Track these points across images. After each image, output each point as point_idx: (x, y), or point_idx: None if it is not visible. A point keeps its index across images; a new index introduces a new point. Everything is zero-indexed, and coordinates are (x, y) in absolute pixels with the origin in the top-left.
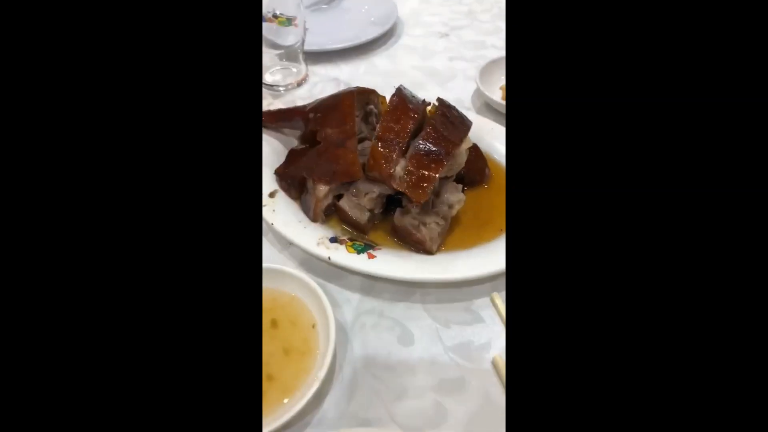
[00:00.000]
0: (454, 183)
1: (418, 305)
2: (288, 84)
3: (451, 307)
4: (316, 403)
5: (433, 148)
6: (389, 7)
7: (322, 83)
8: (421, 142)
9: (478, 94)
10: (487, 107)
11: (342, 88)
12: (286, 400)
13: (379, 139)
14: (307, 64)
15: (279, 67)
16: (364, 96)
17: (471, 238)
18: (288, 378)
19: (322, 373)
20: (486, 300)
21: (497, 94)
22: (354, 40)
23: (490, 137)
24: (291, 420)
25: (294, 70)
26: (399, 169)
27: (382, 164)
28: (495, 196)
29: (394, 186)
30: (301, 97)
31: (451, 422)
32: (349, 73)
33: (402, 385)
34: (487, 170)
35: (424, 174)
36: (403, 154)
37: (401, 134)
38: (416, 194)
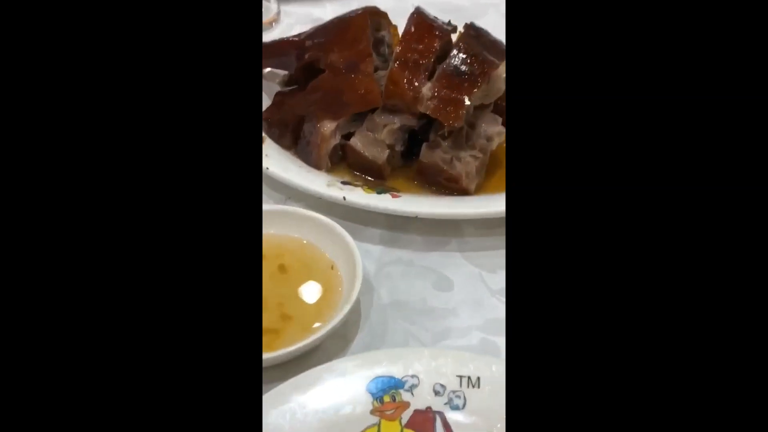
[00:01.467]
0: (493, 114)
1: (455, 253)
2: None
3: (496, 254)
4: (342, 345)
5: (465, 68)
6: None
7: (300, 25)
8: (451, 60)
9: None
10: None
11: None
12: (306, 337)
13: (398, 59)
14: (278, 1)
15: None
16: (375, 19)
17: None
18: (308, 316)
19: (347, 307)
20: None
21: None
22: None
23: None
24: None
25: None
26: (426, 91)
27: (404, 87)
28: None
29: (420, 109)
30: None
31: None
32: (335, 13)
33: (443, 326)
34: None
35: (456, 97)
36: (429, 77)
37: (425, 54)
38: (447, 117)
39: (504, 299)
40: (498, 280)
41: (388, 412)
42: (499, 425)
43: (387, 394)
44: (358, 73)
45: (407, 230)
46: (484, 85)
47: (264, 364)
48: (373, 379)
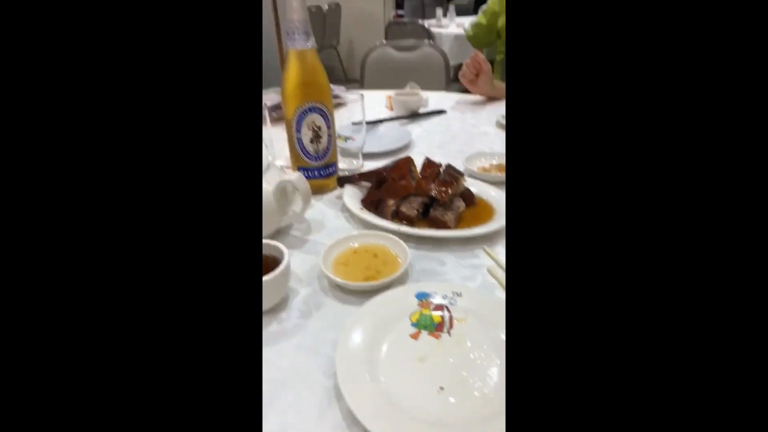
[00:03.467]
0: (459, 197)
1: (447, 254)
2: (353, 169)
3: (467, 254)
4: (402, 280)
5: (448, 179)
6: (405, 131)
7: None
8: (442, 176)
9: (465, 169)
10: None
11: None
12: (389, 276)
13: (421, 175)
14: (362, 159)
15: (347, 161)
16: (409, 161)
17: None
18: (387, 272)
19: (403, 268)
20: (481, 251)
21: (476, 166)
22: (387, 147)
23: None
24: (393, 281)
25: (355, 162)
26: (433, 187)
27: (424, 186)
28: (480, 210)
29: (432, 194)
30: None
31: (471, 286)
32: (386, 163)
33: (443, 278)
34: (474, 199)
35: (445, 190)
36: (433, 182)
37: (431, 174)
38: (441, 197)
39: (467, 268)
40: (465, 262)
41: (424, 306)
42: (470, 316)
43: (423, 299)
44: (403, 181)
45: (425, 244)
46: (455, 185)
47: (370, 288)
48: (416, 293)
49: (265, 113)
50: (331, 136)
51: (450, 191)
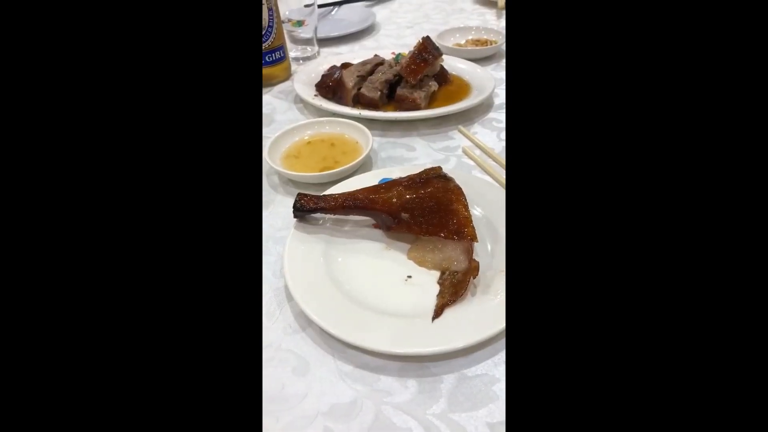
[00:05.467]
0: (433, 78)
1: (416, 138)
2: (306, 57)
3: (438, 137)
4: (366, 168)
5: (421, 58)
6: (368, 12)
7: (329, 56)
8: (416, 53)
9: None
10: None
11: (343, 61)
12: (347, 164)
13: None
14: (318, 47)
15: (300, 49)
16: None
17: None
18: (347, 161)
19: (364, 153)
20: (455, 131)
21: (451, 42)
22: (346, 30)
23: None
24: (352, 169)
25: (309, 49)
26: (403, 62)
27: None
28: (455, 89)
29: (400, 71)
30: (315, 71)
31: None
32: (347, 50)
33: (412, 164)
34: (448, 76)
35: (416, 69)
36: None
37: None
38: (412, 77)
39: (440, 152)
40: (438, 145)
41: None
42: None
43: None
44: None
45: (392, 129)
46: (430, 66)
47: (328, 179)
48: (381, 179)
49: None
50: (273, 11)
51: (421, 71)
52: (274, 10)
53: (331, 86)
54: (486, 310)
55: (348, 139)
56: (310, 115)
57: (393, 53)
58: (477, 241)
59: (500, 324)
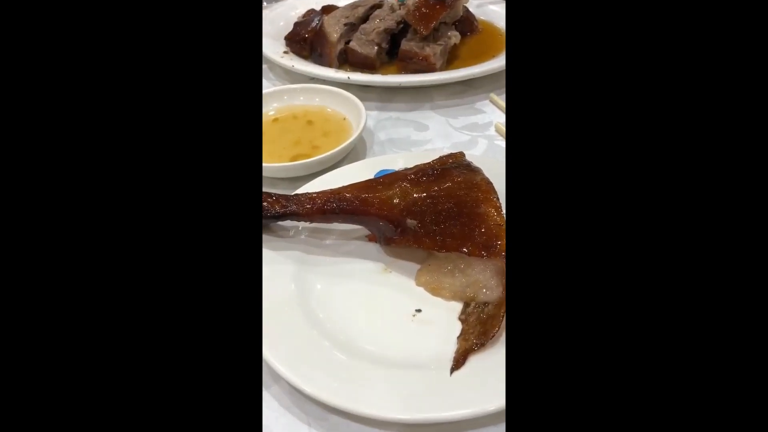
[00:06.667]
0: (452, 26)
1: (429, 111)
2: None
3: (458, 109)
4: (357, 156)
5: None
6: None
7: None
8: None
9: None
10: None
11: (324, 3)
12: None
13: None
14: None
15: None
16: None
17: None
18: (330, 145)
19: (354, 136)
20: (486, 101)
21: None
22: None
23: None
24: (338, 157)
25: None
26: (410, 5)
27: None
28: (484, 41)
29: (406, 17)
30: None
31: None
32: None
33: (422, 149)
34: (475, 23)
35: (428, 13)
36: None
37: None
38: (422, 26)
39: (464, 133)
40: (460, 121)
41: None
42: None
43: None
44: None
45: (394, 99)
46: (449, 9)
47: (304, 171)
48: (379, 171)
49: None
50: None
51: (436, 17)
52: None
53: (307, 39)
54: None
55: (331, 115)
56: (277, 81)
57: None
58: None
59: None
